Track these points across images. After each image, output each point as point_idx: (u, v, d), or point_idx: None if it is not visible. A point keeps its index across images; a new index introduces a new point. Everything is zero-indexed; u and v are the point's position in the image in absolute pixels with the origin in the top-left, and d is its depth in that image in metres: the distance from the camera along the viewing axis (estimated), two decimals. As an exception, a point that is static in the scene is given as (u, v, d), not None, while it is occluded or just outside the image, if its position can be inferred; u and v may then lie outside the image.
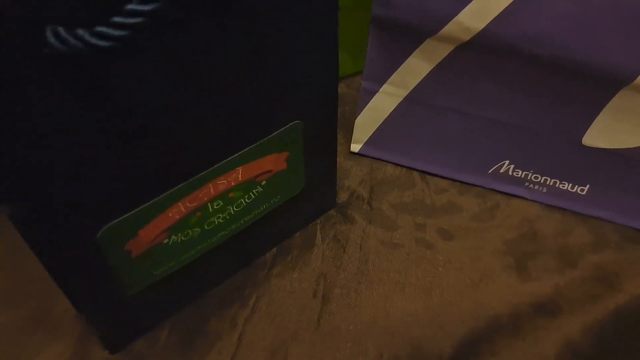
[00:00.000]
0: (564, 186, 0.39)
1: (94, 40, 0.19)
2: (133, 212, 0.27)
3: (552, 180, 0.39)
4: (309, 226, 0.39)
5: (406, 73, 0.37)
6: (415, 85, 0.38)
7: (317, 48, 0.28)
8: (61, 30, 0.19)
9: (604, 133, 0.36)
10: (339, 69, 0.48)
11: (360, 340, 0.33)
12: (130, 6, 0.19)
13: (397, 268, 0.36)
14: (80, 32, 0.19)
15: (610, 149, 0.36)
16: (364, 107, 0.40)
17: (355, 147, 0.42)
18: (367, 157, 0.42)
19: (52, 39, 0.19)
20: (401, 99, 0.39)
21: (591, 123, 0.36)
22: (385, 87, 0.38)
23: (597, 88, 0.34)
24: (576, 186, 0.39)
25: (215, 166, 0.29)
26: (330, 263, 0.37)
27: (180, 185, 0.28)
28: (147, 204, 0.27)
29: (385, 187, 0.41)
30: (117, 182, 0.25)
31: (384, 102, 0.39)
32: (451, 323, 0.34)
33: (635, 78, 0.32)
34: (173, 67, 0.23)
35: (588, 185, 0.39)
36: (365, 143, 0.42)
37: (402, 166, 0.42)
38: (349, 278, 0.36)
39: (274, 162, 0.32)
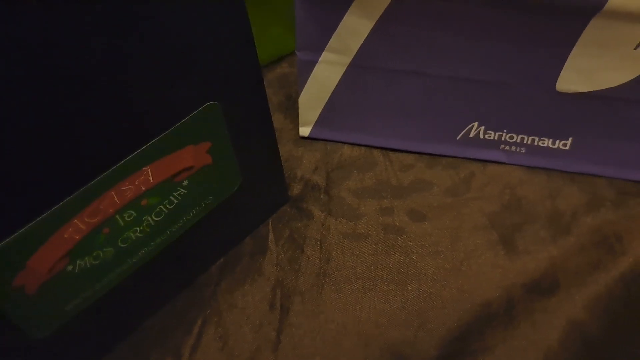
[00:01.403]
0: (543, 143, 0.34)
1: None
2: (10, 238, 0.21)
3: (530, 138, 0.34)
4: (259, 228, 0.33)
5: (345, 35, 0.32)
6: (358, 48, 0.32)
7: (220, 15, 0.23)
8: None
9: (580, 74, 0.31)
10: (278, 47, 0.44)
11: (329, 354, 0.28)
12: None
13: (364, 262, 0.31)
14: None
15: (589, 92, 0.31)
16: (305, 82, 0.35)
17: (304, 131, 0.37)
18: (320, 140, 0.37)
19: None
20: (346, 67, 0.33)
21: (563, 65, 0.31)
22: (324, 55, 0.33)
23: (564, 21, 0.28)
24: (557, 141, 0.34)
25: (113, 168, 0.23)
26: (287, 267, 0.31)
27: (70, 197, 0.22)
28: (28, 226, 0.21)
29: (343, 172, 0.35)
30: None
31: (327, 72, 0.34)
32: (434, 319, 0.29)
33: (607, 1, 0.27)
34: (35, 52, 0.17)
35: (571, 138, 0.34)
36: (314, 124, 0.37)
37: (360, 145, 0.37)
38: (310, 282, 0.31)
39: (193, 156, 0.26)
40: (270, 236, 0.33)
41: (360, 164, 0.36)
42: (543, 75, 0.31)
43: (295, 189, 0.35)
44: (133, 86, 0.22)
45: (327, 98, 0.35)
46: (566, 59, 0.30)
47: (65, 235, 0.23)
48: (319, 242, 0.32)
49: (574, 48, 0.30)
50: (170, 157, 0.25)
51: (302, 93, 0.35)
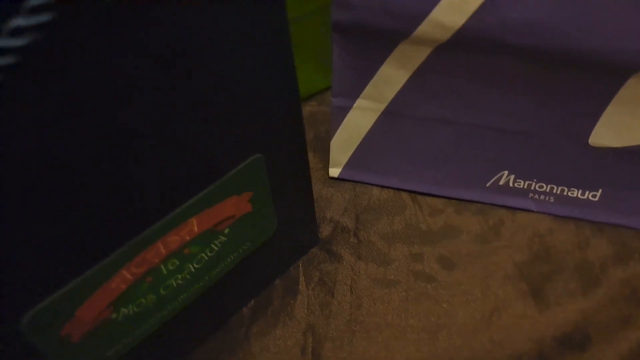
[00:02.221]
0: (573, 193, 0.35)
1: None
2: (64, 289, 0.22)
3: (560, 188, 0.35)
4: (290, 270, 0.34)
5: (381, 84, 0.32)
6: (393, 96, 0.33)
7: (268, 69, 0.23)
8: None
9: (614, 130, 0.31)
10: (308, 86, 0.44)
11: (361, 403, 0.28)
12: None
13: (395, 310, 0.31)
14: None
15: (621, 147, 0.32)
16: (338, 126, 0.35)
17: (334, 172, 0.37)
18: (349, 181, 0.38)
19: None
20: (379, 114, 0.34)
21: (598, 120, 0.31)
22: (359, 102, 0.34)
23: (601, 79, 0.29)
24: (587, 192, 0.34)
25: (162, 221, 0.23)
26: (317, 312, 0.32)
27: (120, 249, 0.23)
28: (80, 278, 0.22)
29: (373, 214, 0.36)
30: (35, 255, 0.20)
31: (360, 118, 0.34)
32: (465, 370, 0.29)
33: (646, 62, 0.27)
34: (74, 109, 0.18)
35: (600, 190, 0.34)
36: (344, 166, 0.37)
37: (389, 188, 0.37)
38: (341, 328, 0.31)
39: (235, 206, 0.27)
40: (301, 279, 0.33)
41: (390, 207, 0.36)
42: (576, 129, 0.32)
43: (325, 231, 0.35)
44: (185, 141, 0.22)
45: (359, 142, 0.36)
46: (601, 115, 0.31)
47: (113, 286, 0.23)
48: (349, 287, 0.33)
49: (610, 105, 0.30)
50: (215, 208, 0.26)
51: (335, 136, 0.36)
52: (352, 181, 0.37)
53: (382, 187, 0.37)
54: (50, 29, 0.14)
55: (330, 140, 0.36)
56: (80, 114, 0.18)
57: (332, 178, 0.38)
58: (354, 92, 0.33)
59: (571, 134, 0.32)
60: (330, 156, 0.37)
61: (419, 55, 0.30)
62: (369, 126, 0.35)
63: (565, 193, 0.35)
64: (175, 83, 0.20)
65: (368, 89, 0.33)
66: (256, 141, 0.25)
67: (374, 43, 0.30)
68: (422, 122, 0.34)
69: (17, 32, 0.14)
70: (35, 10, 0.14)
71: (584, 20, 0.27)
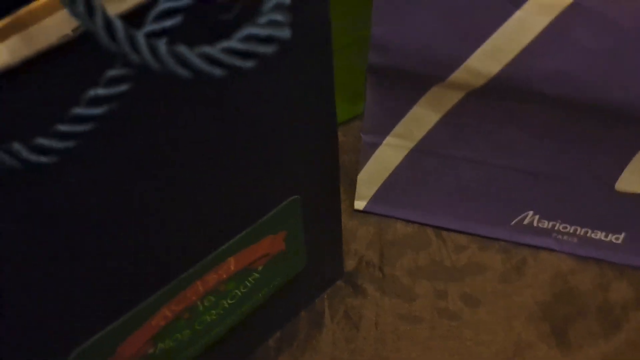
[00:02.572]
0: (596, 235, 0.35)
1: (33, 157, 0.15)
2: (109, 327, 0.22)
3: (583, 230, 0.35)
4: (315, 302, 0.34)
5: (411, 123, 0.33)
6: (422, 135, 0.33)
7: (313, 123, 0.24)
8: (-9, 147, 0.15)
9: (640, 176, 0.32)
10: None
11: None
12: (77, 110, 0.15)
13: (419, 347, 0.32)
14: (17, 147, 0.15)
15: (647, 192, 0.32)
16: (367, 161, 0.36)
17: (359, 204, 0.38)
18: (374, 214, 0.38)
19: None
20: (408, 151, 0.35)
21: (625, 167, 0.32)
22: (388, 139, 0.34)
23: (630, 128, 0.30)
24: (610, 235, 0.35)
25: (202, 261, 0.24)
26: (342, 346, 0.32)
27: (163, 289, 0.23)
28: (125, 317, 0.23)
29: (398, 249, 0.36)
30: (83, 298, 0.21)
31: (389, 154, 0.35)
32: (489, 411, 0.29)
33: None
34: (136, 165, 0.18)
35: (623, 233, 0.35)
36: (370, 199, 0.38)
37: (413, 222, 0.38)
38: (365, 363, 0.31)
39: (270, 245, 0.27)
40: (326, 312, 0.34)
41: (414, 242, 0.37)
42: (603, 174, 0.32)
43: (350, 264, 0.36)
44: (233, 189, 0.23)
45: (386, 177, 0.36)
46: (628, 162, 0.31)
47: (154, 323, 0.24)
48: (374, 322, 0.33)
49: (638, 153, 0.31)
50: (252, 247, 0.26)
51: (362, 170, 0.36)
52: (377, 214, 0.38)
53: (407, 221, 0.38)
54: (127, 98, 0.15)
55: (355, 172, 0.37)
56: (147, 168, 0.18)
57: (357, 211, 0.38)
58: (385, 130, 0.34)
59: (598, 178, 0.32)
60: (357, 189, 0.37)
61: (451, 98, 0.31)
62: (397, 162, 0.35)
63: (588, 235, 0.35)
64: (229, 139, 0.21)
65: (398, 128, 0.33)
66: (294, 184, 0.26)
67: (407, 85, 0.31)
68: (450, 161, 0.34)
69: (95, 101, 0.15)
70: (113, 81, 0.15)
71: (616, 73, 0.27)
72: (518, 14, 0.26)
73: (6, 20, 0.19)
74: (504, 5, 0.26)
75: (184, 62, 0.14)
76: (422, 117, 0.33)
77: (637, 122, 0.29)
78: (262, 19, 0.15)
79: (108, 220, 0.19)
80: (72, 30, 0.15)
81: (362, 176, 0.37)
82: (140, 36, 0.14)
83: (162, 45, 0.14)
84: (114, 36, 0.14)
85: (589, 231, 0.35)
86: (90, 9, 0.14)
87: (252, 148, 0.22)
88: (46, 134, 0.15)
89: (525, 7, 0.26)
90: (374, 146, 0.35)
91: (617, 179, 0.32)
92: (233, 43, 0.14)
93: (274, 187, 0.25)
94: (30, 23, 0.19)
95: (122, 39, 0.14)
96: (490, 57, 0.28)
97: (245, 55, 0.14)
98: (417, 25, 0.28)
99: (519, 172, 0.34)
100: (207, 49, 0.14)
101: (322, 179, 0.28)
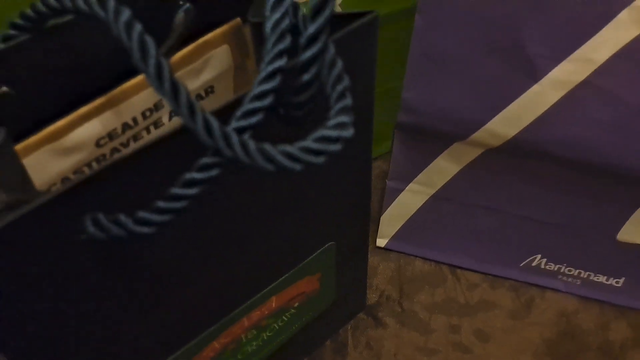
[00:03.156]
0: (598, 278, 0.38)
1: (137, 228, 0.18)
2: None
3: (587, 273, 0.38)
4: (339, 332, 0.37)
5: (433, 173, 0.36)
6: (443, 184, 0.37)
7: (350, 180, 0.27)
8: (102, 218, 0.18)
9: (640, 229, 0.35)
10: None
11: None
12: (174, 190, 0.18)
13: (435, 378, 0.35)
14: (123, 219, 0.18)
15: (646, 242, 0.36)
16: (390, 204, 0.39)
17: (381, 242, 0.41)
18: (394, 251, 0.41)
19: (91, 228, 0.18)
20: (428, 197, 0.38)
21: (627, 220, 0.35)
22: (411, 185, 0.37)
23: (633, 188, 0.33)
24: (611, 278, 0.38)
25: (251, 300, 0.27)
26: (365, 375, 0.35)
27: (215, 326, 0.26)
28: (184, 349, 0.26)
29: (416, 285, 0.39)
30: (145, 339, 0.24)
31: (411, 199, 0.38)
32: None
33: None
34: (209, 228, 0.22)
35: (624, 278, 0.38)
36: (391, 238, 0.41)
37: (431, 260, 0.41)
38: (385, 391, 0.34)
39: (306, 285, 0.30)
40: (349, 342, 0.37)
41: (431, 278, 0.40)
42: (606, 226, 0.35)
43: (372, 298, 0.39)
44: (281, 240, 0.26)
45: (407, 218, 0.39)
46: (630, 216, 0.34)
47: (204, 354, 0.27)
48: (393, 353, 0.36)
49: (639, 209, 0.34)
50: (292, 287, 0.29)
51: (386, 212, 0.39)
52: (398, 252, 0.41)
53: (425, 259, 0.41)
54: (217, 182, 0.18)
55: (376, 211, 0.40)
56: (221, 231, 0.22)
57: (379, 247, 0.42)
58: (408, 177, 0.37)
59: (601, 229, 0.36)
60: (380, 228, 0.41)
61: (471, 153, 0.34)
62: (418, 206, 0.39)
63: (591, 277, 0.38)
64: (285, 203, 0.24)
65: (421, 176, 0.37)
66: (331, 232, 0.29)
67: (431, 141, 0.34)
68: (467, 208, 0.37)
69: (189, 183, 0.18)
70: (205, 167, 0.18)
71: (624, 141, 0.30)
72: (535, 88, 0.30)
73: (103, 99, 0.22)
74: (523, 79, 0.30)
75: (269, 158, 0.17)
76: (443, 169, 0.36)
77: (638, 181, 0.32)
78: (332, 122, 0.18)
79: (183, 272, 0.22)
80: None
81: (385, 217, 0.40)
82: (233, 134, 0.17)
83: (251, 143, 0.17)
84: (210, 133, 0.17)
85: (592, 274, 0.38)
86: (191, 109, 0.17)
87: (301, 207, 0.25)
88: (147, 208, 0.18)
89: (542, 82, 0.29)
90: (398, 191, 0.38)
91: (619, 229, 0.35)
92: (309, 143, 0.17)
93: (314, 236, 0.28)
94: (121, 100, 0.23)
95: (218, 137, 0.17)
96: (508, 122, 0.31)
97: (317, 153, 0.17)
98: (444, 92, 0.31)
99: (530, 220, 0.37)
100: (289, 148, 0.17)
101: (354, 227, 0.31)
